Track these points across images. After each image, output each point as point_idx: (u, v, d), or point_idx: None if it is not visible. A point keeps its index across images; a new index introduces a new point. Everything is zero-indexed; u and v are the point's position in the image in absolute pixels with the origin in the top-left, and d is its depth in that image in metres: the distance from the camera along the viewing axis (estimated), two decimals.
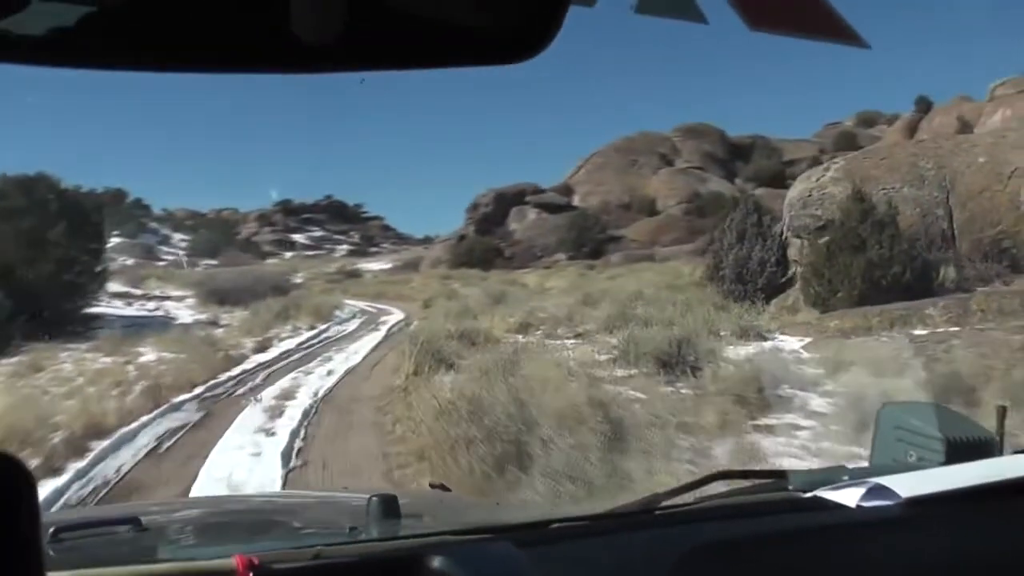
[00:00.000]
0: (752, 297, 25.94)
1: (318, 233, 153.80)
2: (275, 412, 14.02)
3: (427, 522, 2.50)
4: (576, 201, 79.99)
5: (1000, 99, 51.35)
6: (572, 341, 20.66)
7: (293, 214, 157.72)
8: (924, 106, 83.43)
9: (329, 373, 18.78)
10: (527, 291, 39.62)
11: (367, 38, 1.00)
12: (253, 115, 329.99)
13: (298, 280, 74.07)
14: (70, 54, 0.98)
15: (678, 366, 15.28)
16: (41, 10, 0.90)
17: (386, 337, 26.80)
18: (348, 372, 19.01)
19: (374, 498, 2.15)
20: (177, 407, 14.74)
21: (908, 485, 1.88)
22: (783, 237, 27.83)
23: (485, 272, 62.15)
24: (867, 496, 1.89)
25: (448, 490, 3.69)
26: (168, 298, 44.64)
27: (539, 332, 22.82)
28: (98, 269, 32.45)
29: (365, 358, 21.59)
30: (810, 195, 27.84)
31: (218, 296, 38.79)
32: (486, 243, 72.75)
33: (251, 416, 13.79)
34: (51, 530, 1.98)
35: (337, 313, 35.29)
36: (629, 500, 2.19)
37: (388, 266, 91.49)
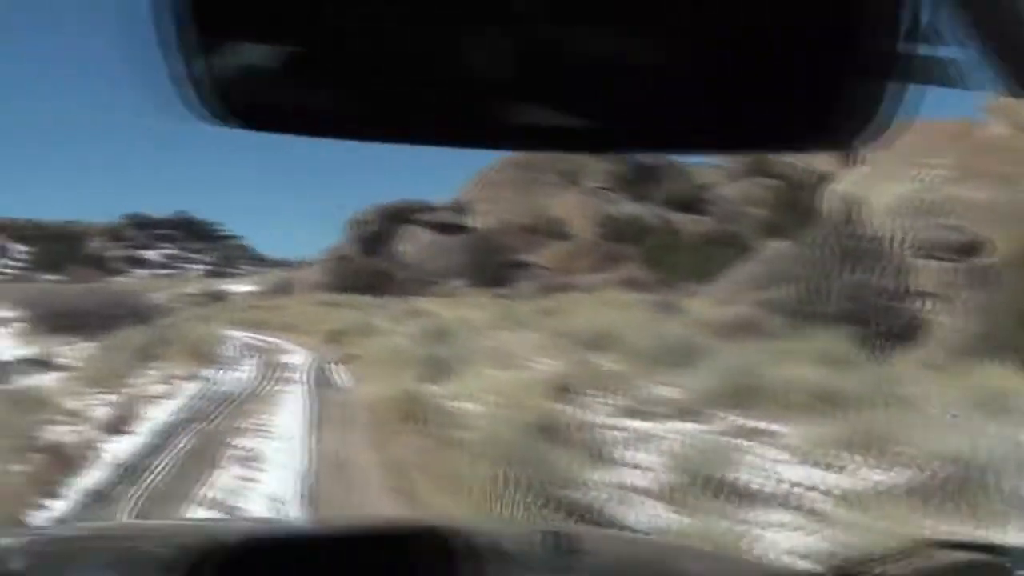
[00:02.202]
0: (877, 345, 17.33)
1: (171, 251, 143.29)
2: None
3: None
4: (471, 221, 71.00)
5: None
6: (786, 456, 10.66)
7: (144, 229, 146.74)
8: None
9: (275, 506, 8.84)
10: (457, 326, 30.36)
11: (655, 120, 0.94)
12: (102, 121, 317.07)
13: (159, 302, 64.49)
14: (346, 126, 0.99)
15: None
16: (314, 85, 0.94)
17: (318, 399, 17.20)
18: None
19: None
20: None
21: None
22: (900, 258, 19.16)
23: (377, 299, 53.30)
24: None
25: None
26: None
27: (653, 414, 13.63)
28: None
29: (312, 455, 11.76)
30: (922, 201, 19.55)
31: (56, 321, 28.55)
32: (374, 265, 63.20)
33: None
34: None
35: (222, 352, 25.53)
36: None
37: (256, 289, 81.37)
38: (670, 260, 53.25)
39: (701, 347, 17.68)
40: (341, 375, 21.37)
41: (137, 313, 29.34)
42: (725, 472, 8.52)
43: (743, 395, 12.69)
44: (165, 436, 13.00)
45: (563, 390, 14.38)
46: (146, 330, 25.81)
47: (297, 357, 26.56)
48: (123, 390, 17.29)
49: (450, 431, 10.01)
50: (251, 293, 76.59)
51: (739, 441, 10.57)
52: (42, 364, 21.84)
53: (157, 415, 14.59)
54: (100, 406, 15.34)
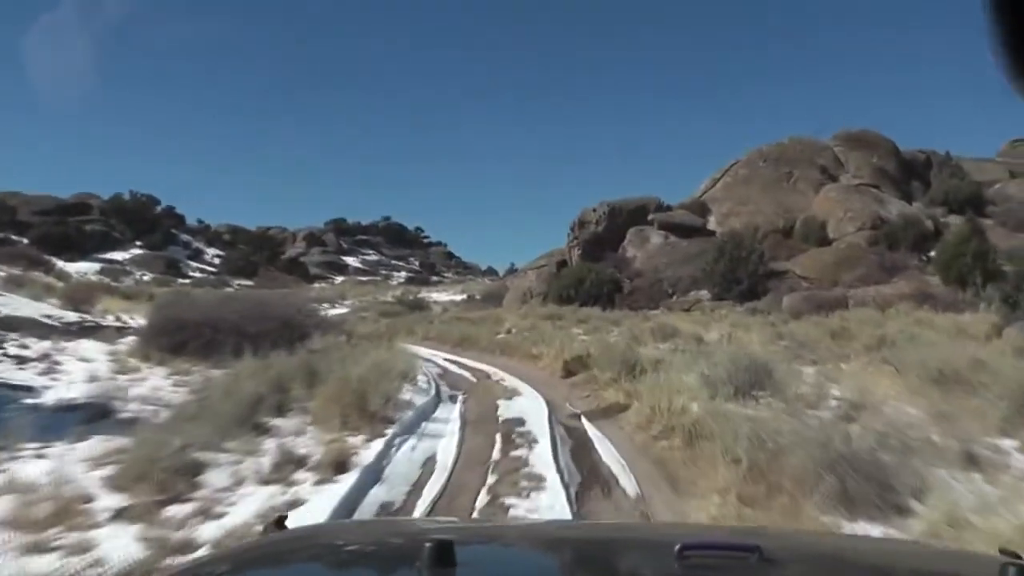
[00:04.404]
0: None
1: (373, 257, 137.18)
2: None
3: None
4: (712, 223, 60.53)
5: None
6: None
7: (347, 234, 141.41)
8: None
9: None
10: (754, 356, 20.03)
11: None
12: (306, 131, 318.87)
13: (341, 310, 55.86)
14: None
15: None
16: None
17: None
18: None
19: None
20: None
21: None
22: None
23: (607, 312, 44.14)
24: None
25: None
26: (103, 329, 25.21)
27: None
28: None
29: None
30: None
31: (173, 338, 19.57)
32: (601, 272, 53.33)
33: None
34: (677, 547, 2.04)
35: (408, 396, 15.66)
36: None
37: (460, 297, 72.71)
38: (978, 272, 41.37)
39: None
40: (614, 455, 11.40)
41: (289, 326, 19.87)
42: None
43: None
44: None
45: None
46: (293, 357, 16.34)
47: (523, 403, 16.81)
48: (193, 494, 7.92)
49: None
50: (453, 302, 67.79)
51: None
52: (99, 413, 12.56)
53: None
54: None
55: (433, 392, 17.52)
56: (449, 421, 14.29)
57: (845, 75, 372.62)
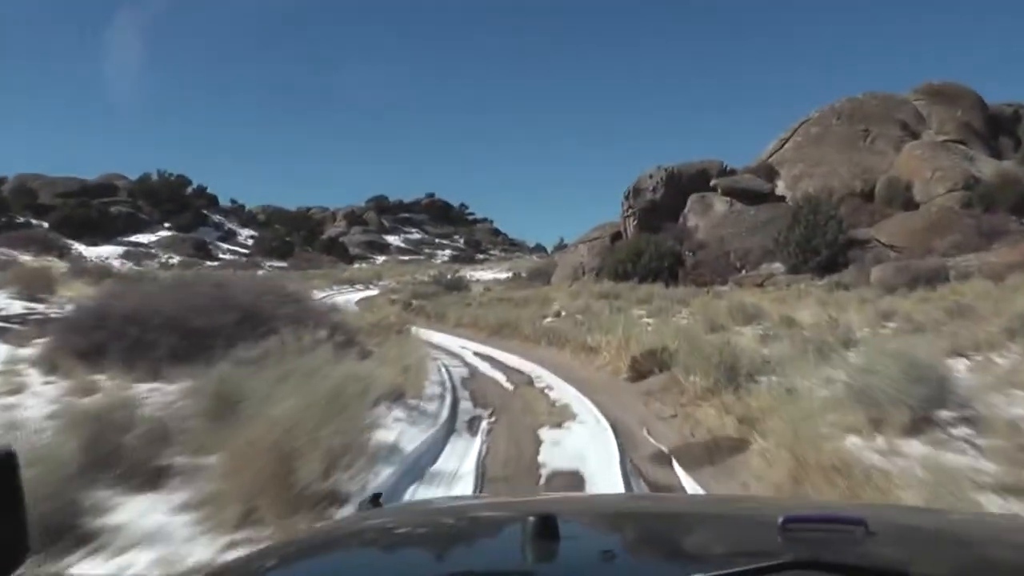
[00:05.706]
0: None
1: (416, 235, 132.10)
2: None
3: None
4: (781, 187, 54.67)
5: None
6: None
7: (388, 212, 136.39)
8: None
9: None
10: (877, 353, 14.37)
11: None
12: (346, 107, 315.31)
13: (371, 291, 50.73)
14: None
15: None
16: None
17: None
18: None
19: None
20: None
21: None
22: None
23: (670, 289, 38.88)
24: None
25: None
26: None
27: None
28: None
29: None
30: None
31: (89, 338, 14.08)
32: (660, 244, 47.63)
33: None
34: (780, 520, 1.89)
35: (394, 433, 9.69)
36: None
37: (505, 275, 67.30)
38: None
39: None
40: None
41: (253, 318, 14.30)
42: None
43: None
44: None
45: None
46: (219, 369, 10.61)
47: (578, 434, 11.10)
48: None
49: None
50: (496, 280, 62.36)
51: None
52: None
53: None
54: None
55: (444, 416, 11.82)
56: (456, 480, 8.55)
57: (922, 24, 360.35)
